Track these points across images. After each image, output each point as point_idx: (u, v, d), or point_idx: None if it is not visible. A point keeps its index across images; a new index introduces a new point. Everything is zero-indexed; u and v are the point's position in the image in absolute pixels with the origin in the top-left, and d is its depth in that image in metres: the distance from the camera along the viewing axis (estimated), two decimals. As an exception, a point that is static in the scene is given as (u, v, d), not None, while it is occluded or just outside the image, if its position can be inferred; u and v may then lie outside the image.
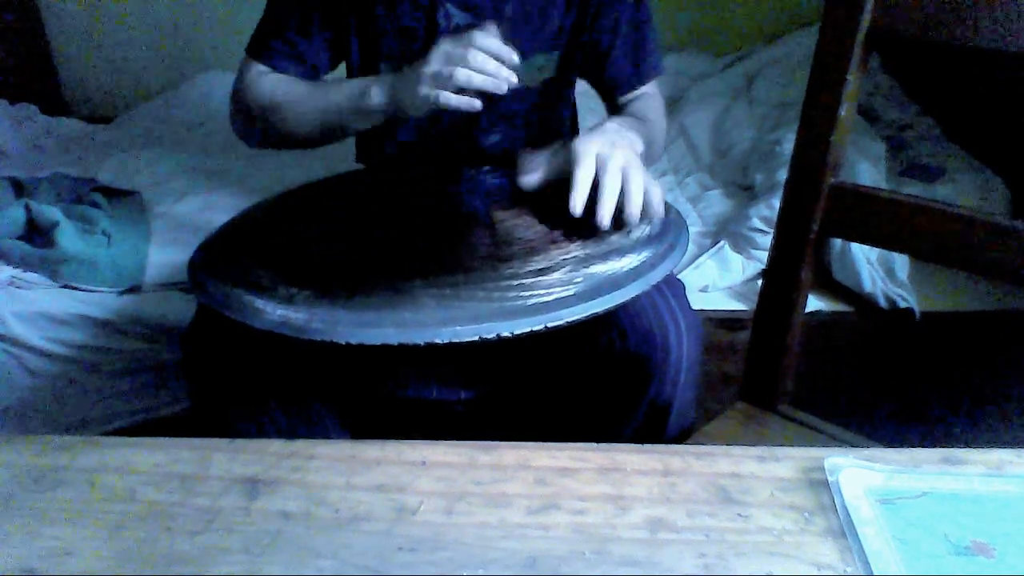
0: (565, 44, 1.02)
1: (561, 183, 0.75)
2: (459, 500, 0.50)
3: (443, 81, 0.82)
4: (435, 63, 0.83)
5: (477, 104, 0.84)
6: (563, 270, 0.66)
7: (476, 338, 0.58)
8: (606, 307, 0.62)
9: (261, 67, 1.01)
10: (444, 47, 0.83)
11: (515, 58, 0.83)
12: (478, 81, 0.81)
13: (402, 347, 0.59)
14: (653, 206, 0.73)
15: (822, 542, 0.47)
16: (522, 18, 0.99)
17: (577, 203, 0.71)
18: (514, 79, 0.82)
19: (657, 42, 1.07)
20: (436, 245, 0.75)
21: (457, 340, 0.58)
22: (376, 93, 0.89)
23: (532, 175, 0.81)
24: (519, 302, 0.61)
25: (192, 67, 2.17)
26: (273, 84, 1.00)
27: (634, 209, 0.72)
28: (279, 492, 0.51)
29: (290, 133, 0.99)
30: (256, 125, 1.01)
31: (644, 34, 1.05)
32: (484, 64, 0.81)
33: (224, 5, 2.15)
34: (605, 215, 0.71)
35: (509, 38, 0.99)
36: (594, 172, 0.72)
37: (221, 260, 0.75)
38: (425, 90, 0.83)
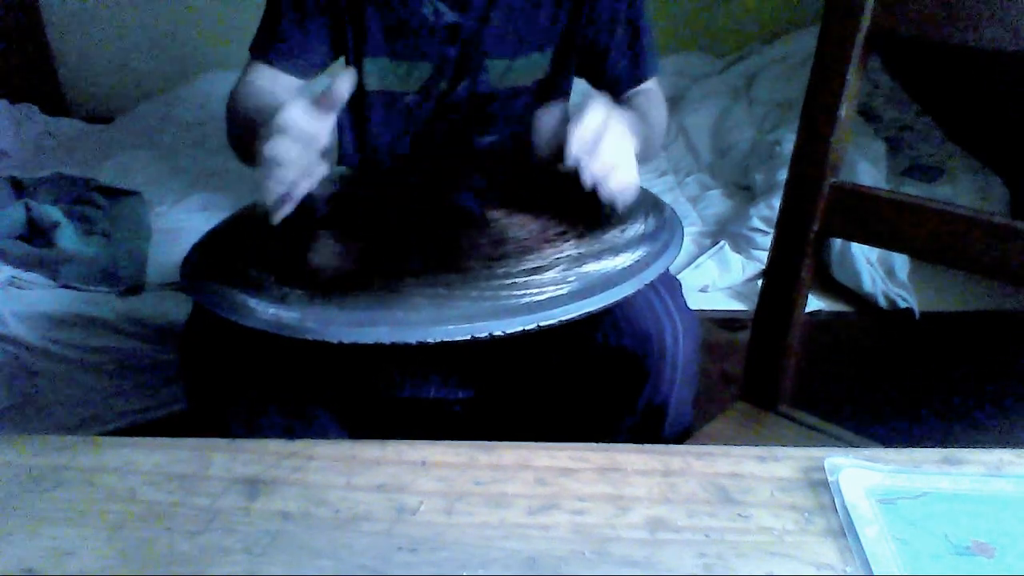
0: (558, 42, 1.02)
1: (556, 178, 0.75)
2: (459, 500, 0.50)
3: (259, 178, 0.68)
4: (265, 142, 0.67)
5: (278, 217, 0.70)
6: (557, 269, 0.66)
7: (469, 337, 0.59)
8: (599, 306, 0.62)
9: (260, 66, 1.00)
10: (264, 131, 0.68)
11: (323, 140, 0.68)
12: (278, 181, 0.67)
13: (395, 347, 0.59)
14: (622, 197, 0.73)
15: (822, 542, 0.47)
16: (514, 17, 0.99)
17: (575, 143, 0.68)
18: (320, 171, 0.69)
19: (654, 41, 1.07)
20: (429, 244, 0.75)
21: (449, 339, 0.58)
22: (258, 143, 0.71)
23: (545, 139, 0.77)
24: (512, 301, 0.61)
25: (192, 67, 2.17)
26: (249, 93, 0.95)
27: (606, 192, 0.71)
28: (279, 492, 0.51)
29: (238, 149, 0.92)
30: (229, 134, 0.98)
31: (641, 32, 1.05)
32: (286, 158, 0.66)
33: (223, 6, 2.15)
34: (588, 179, 0.69)
35: (501, 36, 0.99)
36: (600, 124, 0.70)
37: (214, 259, 0.75)
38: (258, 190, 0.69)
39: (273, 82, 0.99)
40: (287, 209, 0.70)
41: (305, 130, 0.66)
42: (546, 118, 0.78)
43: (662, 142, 1.09)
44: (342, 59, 1.06)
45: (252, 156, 0.84)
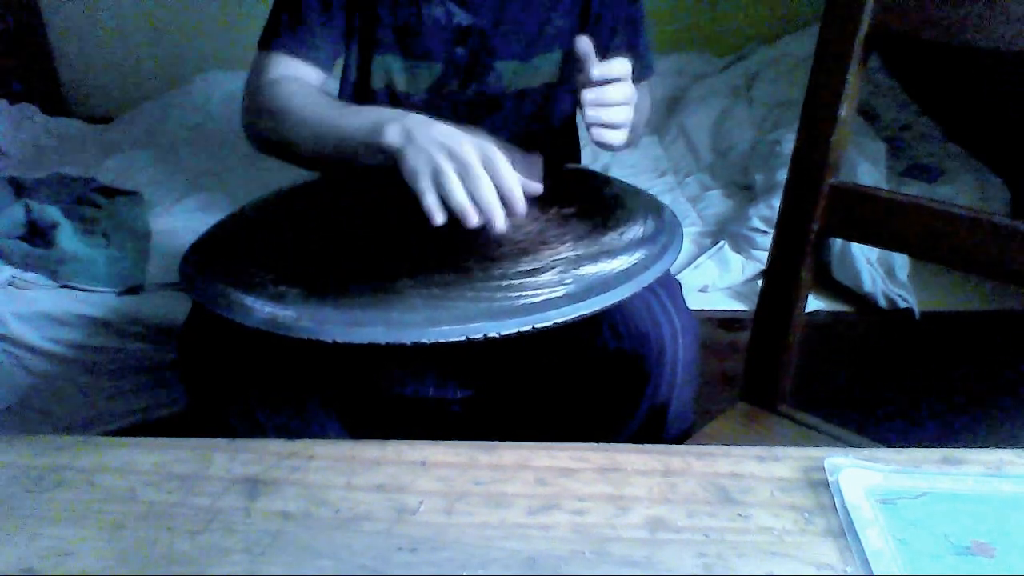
0: (567, 45, 1.02)
1: (557, 179, 0.76)
2: (459, 500, 0.50)
3: (437, 182, 0.70)
4: (441, 155, 0.70)
5: (438, 220, 0.71)
6: (553, 271, 0.66)
7: (463, 338, 0.58)
8: (594, 309, 0.62)
9: (282, 59, 0.96)
10: (458, 144, 0.70)
11: (522, 208, 0.70)
12: (468, 216, 0.69)
13: (390, 347, 0.59)
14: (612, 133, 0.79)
15: (822, 542, 0.47)
16: (524, 19, 0.99)
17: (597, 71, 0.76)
18: (501, 226, 0.70)
19: (649, 42, 1.08)
20: (426, 245, 0.76)
21: (444, 340, 0.58)
22: (391, 133, 0.75)
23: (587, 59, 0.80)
24: (508, 303, 0.61)
25: (192, 67, 2.17)
26: (291, 90, 0.92)
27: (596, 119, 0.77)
28: (279, 492, 0.51)
29: (297, 146, 0.90)
30: (265, 129, 0.93)
31: (639, 34, 1.05)
32: (485, 199, 0.68)
33: (223, 5, 2.15)
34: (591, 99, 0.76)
35: (511, 38, 0.99)
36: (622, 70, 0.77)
37: (213, 258, 0.75)
38: (421, 183, 0.71)
39: (303, 75, 0.96)
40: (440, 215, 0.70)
41: (511, 192, 0.70)
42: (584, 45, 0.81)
43: (640, 135, 1.15)
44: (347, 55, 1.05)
45: (310, 151, 0.87)
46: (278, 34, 0.97)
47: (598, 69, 0.76)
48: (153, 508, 0.50)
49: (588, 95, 0.76)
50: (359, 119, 0.81)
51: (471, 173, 0.68)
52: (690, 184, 1.70)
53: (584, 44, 0.78)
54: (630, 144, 0.97)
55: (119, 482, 0.52)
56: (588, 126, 0.79)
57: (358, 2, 0.98)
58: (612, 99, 0.77)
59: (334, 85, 1.07)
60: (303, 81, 0.95)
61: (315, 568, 0.45)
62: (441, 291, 0.64)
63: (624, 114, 0.79)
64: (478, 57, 1.00)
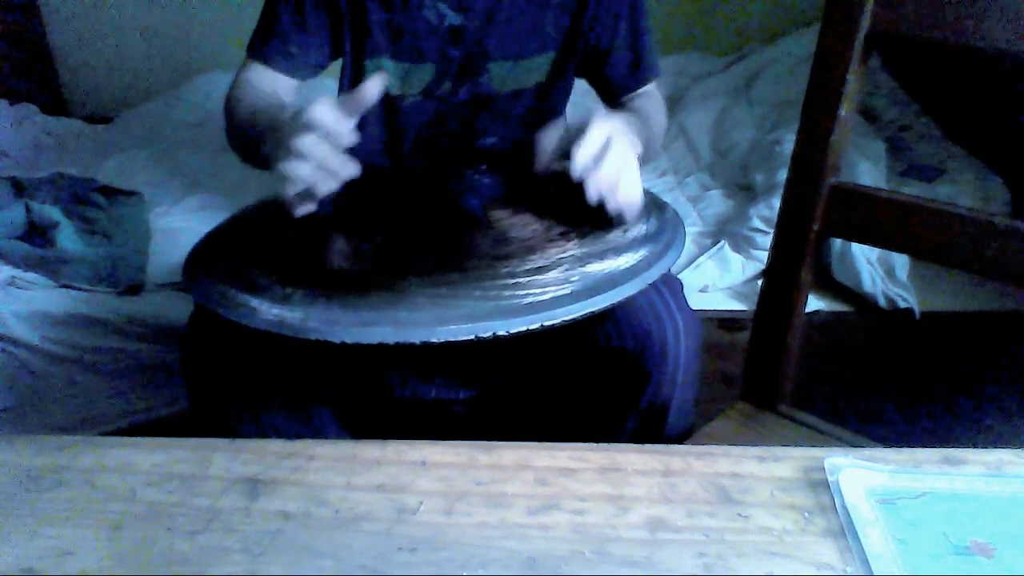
0: (560, 45, 1.02)
1: (559, 179, 0.76)
2: (459, 500, 0.50)
3: (282, 171, 0.69)
4: (278, 149, 0.70)
5: (300, 212, 0.71)
6: (559, 269, 0.66)
7: (472, 337, 0.59)
8: (602, 306, 0.63)
9: (257, 66, 0.99)
10: (285, 126, 0.70)
11: (347, 139, 0.68)
12: (304, 176, 0.68)
13: (398, 346, 0.59)
14: (629, 210, 0.74)
15: (822, 542, 0.47)
16: (516, 19, 0.99)
17: (580, 160, 0.70)
18: (349, 171, 0.69)
19: (654, 43, 1.07)
20: (433, 244, 0.76)
21: (453, 339, 0.59)
22: (266, 146, 0.76)
23: (544, 155, 0.78)
24: (515, 301, 0.62)
25: (192, 67, 2.17)
26: (247, 94, 0.96)
27: (613, 205, 0.72)
28: (279, 492, 0.51)
29: (240, 150, 0.96)
30: (230, 137, 0.99)
31: (642, 35, 1.05)
32: (313, 154, 0.67)
33: (224, 5, 2.15)
34: (593, 194, 0.71)
35: (503, 38, 0.99)
36: (604, 140, 0.71)
37: (217, 260, 0.75)
38: (286, 201, 0.71)
39: (271, 83, 0.99)
40: (308, 206, 0.71)
41: (333, 128, 0.67)
42: (546, 138, 0.79)
43: (661, 143, 1.09)
44: (341, 60, 1.06)
45: (254, 156, 0.88)
46: (256, 43, 1.00)
47: (579, 161, 0.70)
48: (153, 508, 0.50)
49: (591, 192, 0.71)
50: (261, 128, 0.81)
51: (307, 156, 0.67)
52: (690, 184, 1.70)
53: (544, 139, 0.77)
54: (649, 161, 0.96)
55: (119, 482, 0.52)
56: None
57: (348, 6, 0.98)
58: (610, 176, 0.71)
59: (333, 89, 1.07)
60: (256, 88, 0.98)
61: (315, 568, 0.45)
62: (448, 290, 0.64)
63: (625, 169, 0.73)
64: (471, 58, 1.00)
